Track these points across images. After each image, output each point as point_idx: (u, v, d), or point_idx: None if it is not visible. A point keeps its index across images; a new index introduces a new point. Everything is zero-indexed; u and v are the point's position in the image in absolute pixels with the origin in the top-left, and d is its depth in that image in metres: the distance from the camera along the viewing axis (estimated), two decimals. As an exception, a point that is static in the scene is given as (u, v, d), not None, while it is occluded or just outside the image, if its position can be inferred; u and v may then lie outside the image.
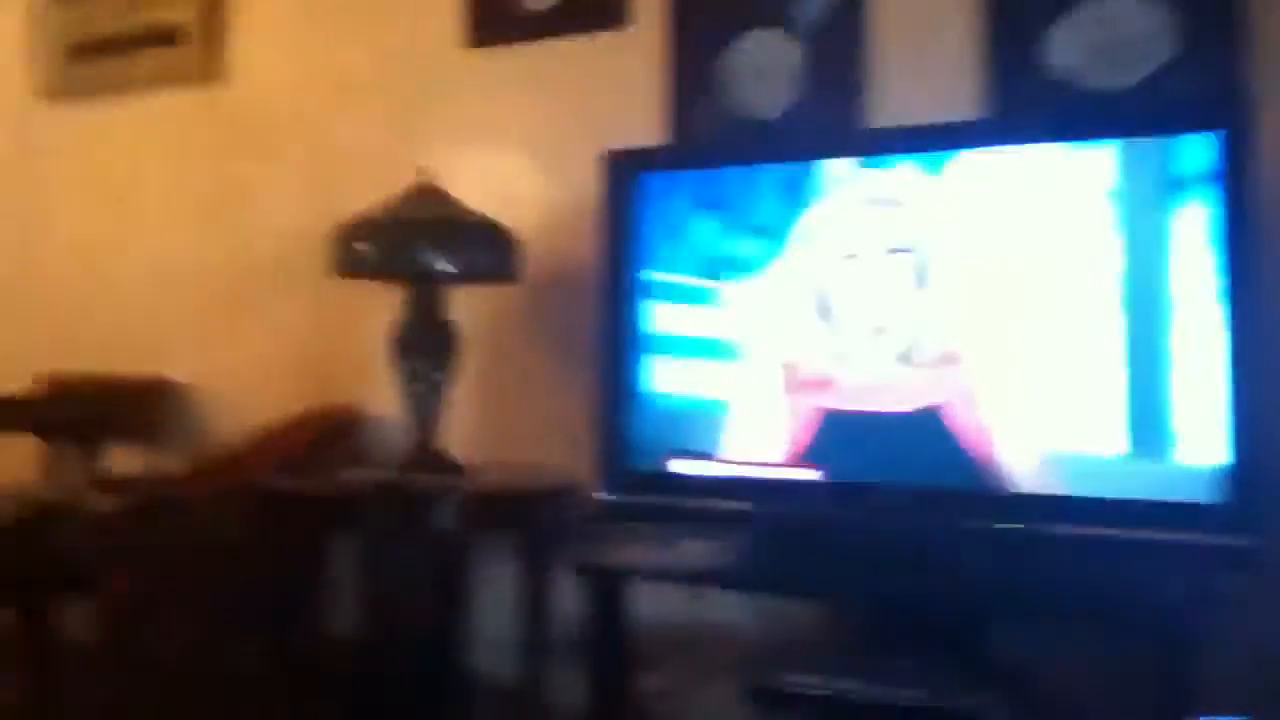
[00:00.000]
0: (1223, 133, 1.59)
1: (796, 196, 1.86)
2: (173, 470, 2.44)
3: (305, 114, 2.70)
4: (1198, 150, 1.60)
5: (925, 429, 1.74)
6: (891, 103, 2.11)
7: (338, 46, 2.69)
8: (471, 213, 2.11)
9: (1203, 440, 1.56)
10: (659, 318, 1.99)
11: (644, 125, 2.31)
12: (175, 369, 2.73)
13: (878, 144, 1.91)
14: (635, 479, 1.96)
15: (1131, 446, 1.61)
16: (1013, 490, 1.66)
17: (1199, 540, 1.53)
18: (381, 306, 2.22)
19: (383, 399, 2.31)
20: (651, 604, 2.07)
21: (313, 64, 2.72)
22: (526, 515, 2.10)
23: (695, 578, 1.81)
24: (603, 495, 1.97)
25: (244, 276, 2.71)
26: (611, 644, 1.85)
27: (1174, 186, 1.62)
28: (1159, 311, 1.60)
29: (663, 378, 1.98)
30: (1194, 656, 1.45)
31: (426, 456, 2.10)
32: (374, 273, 2.11)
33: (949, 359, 1.74)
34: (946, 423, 1.73)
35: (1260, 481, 1.51)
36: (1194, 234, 1.59)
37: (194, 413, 2.69)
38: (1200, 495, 1.54)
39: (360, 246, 2.06)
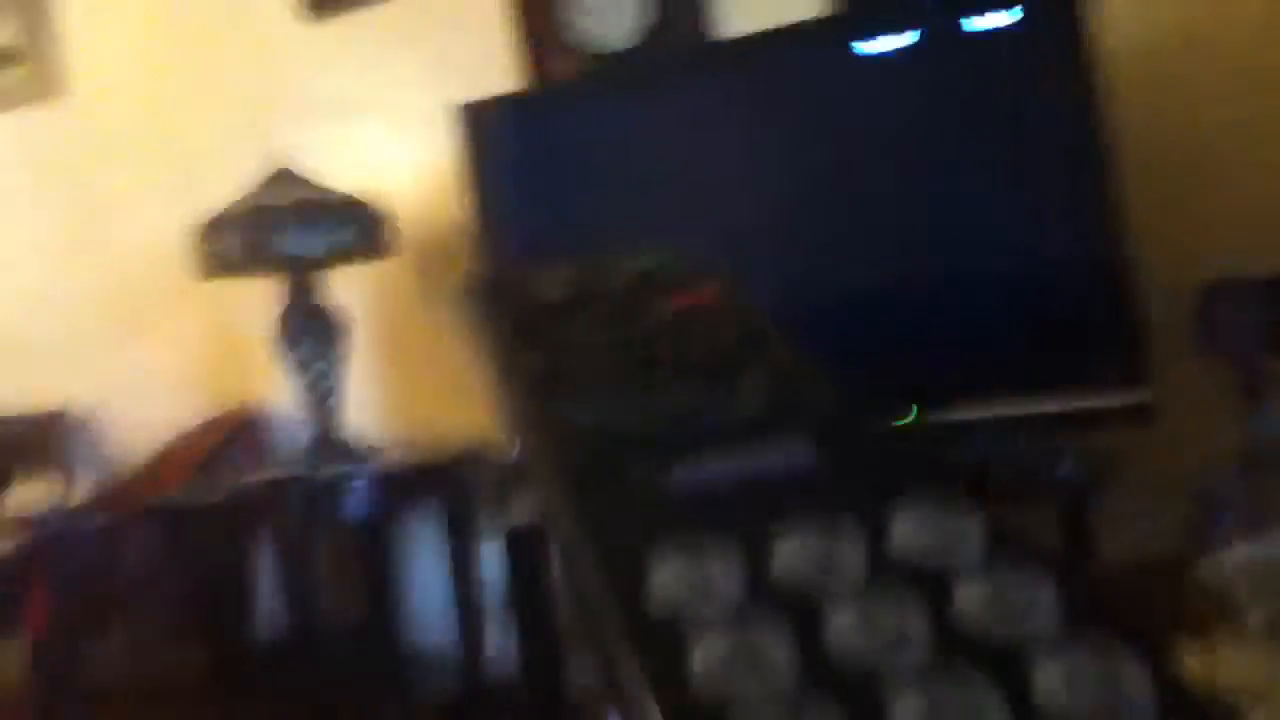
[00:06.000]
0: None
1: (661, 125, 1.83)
2: (78, 500, 2.37)
3: (153, 115, 2.60)
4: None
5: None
6: (740, 11, 2.07)
7: (175, 42, 2.59)
8: (330, 191, 2.05)
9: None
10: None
11: (498, 72, 2.25)
12: (62, 397, 2.63)
13: (723, 57, 1.88)
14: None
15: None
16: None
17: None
18: (265, 299, 2.15)
19: (281, 394, 2.26)
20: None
21: (153, 63, 2.61)
22: (440, 486, 2.07)
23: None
24: (516, 454, 1.95)
25: (120, 292, 2.61)
26: (536, 602, 1.84)
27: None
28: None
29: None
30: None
31: (328, 445, 2.06)
32: (240, 270, 2.04)
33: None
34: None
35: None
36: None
37: (94, 439, 2.61)
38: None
39: (220, 245, 1.99)
